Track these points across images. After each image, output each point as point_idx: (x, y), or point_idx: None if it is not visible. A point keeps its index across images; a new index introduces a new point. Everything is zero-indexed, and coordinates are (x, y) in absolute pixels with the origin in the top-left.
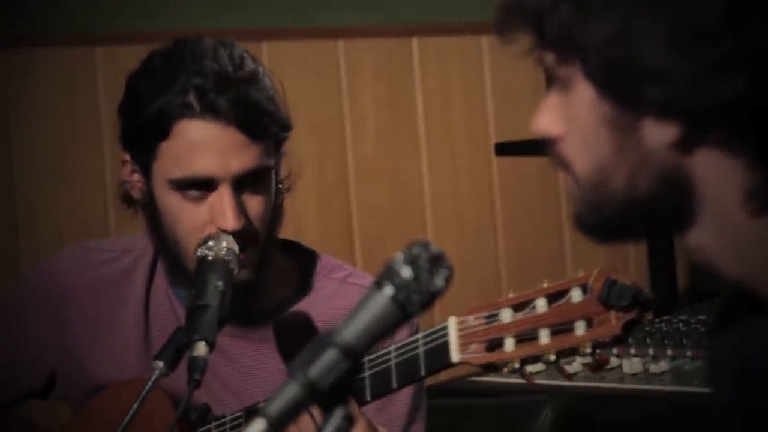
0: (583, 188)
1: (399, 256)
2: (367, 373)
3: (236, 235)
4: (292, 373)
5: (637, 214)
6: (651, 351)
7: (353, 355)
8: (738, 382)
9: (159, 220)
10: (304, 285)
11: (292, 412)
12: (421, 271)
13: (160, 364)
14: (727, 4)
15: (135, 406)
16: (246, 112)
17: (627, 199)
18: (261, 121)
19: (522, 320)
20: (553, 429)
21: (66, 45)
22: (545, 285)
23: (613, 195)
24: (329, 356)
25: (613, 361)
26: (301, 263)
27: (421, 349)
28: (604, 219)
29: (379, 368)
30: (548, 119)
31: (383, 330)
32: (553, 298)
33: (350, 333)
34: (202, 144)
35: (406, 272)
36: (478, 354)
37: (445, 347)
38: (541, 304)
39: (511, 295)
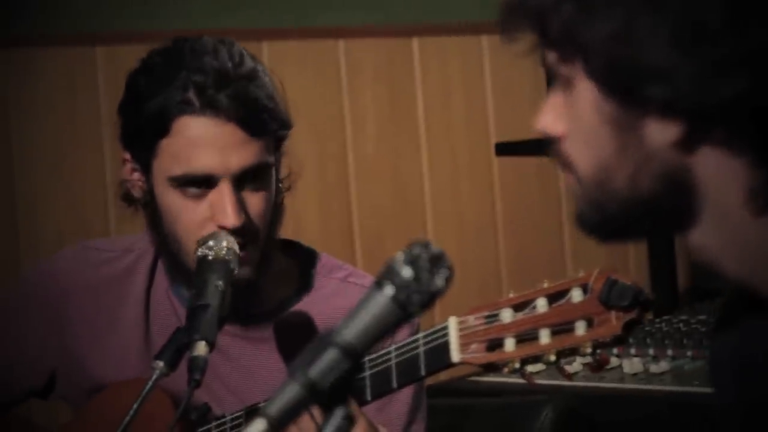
0: (585, 187)
1: (399, 255)
2: (367, 373)
3: (236, 232)
4: (293, 372)
5: (639, 213)
6: (651, 351)
7: (353, 354)
8: (739, 381)
9: (159, 218)
10: (304, 284)
11: (292, 412)
12: (421, 271)
13: (161, 363)
14: (728, 3)
15: (135, 406)
16: (246, 108)
17: (629, 198)
18: (261, 118)
19: (522, 320)
20: (553, 429)
21: (66, 45)
22: (546, 285)
23: (615, 194)
24: (329, 356)
25: (614, 361)
26: (302, 263)
27: (421, 349)
28: (606, 218)
29: (379, 368)
30: (550, 118)
31: (384, 330)
32: (553, 298)
33: (350, 333)
34: (202, 140)
35: (407, 272)
36: (478, 354)
37: (445, 347)
38: (541, 304)
39: (511, 295)
